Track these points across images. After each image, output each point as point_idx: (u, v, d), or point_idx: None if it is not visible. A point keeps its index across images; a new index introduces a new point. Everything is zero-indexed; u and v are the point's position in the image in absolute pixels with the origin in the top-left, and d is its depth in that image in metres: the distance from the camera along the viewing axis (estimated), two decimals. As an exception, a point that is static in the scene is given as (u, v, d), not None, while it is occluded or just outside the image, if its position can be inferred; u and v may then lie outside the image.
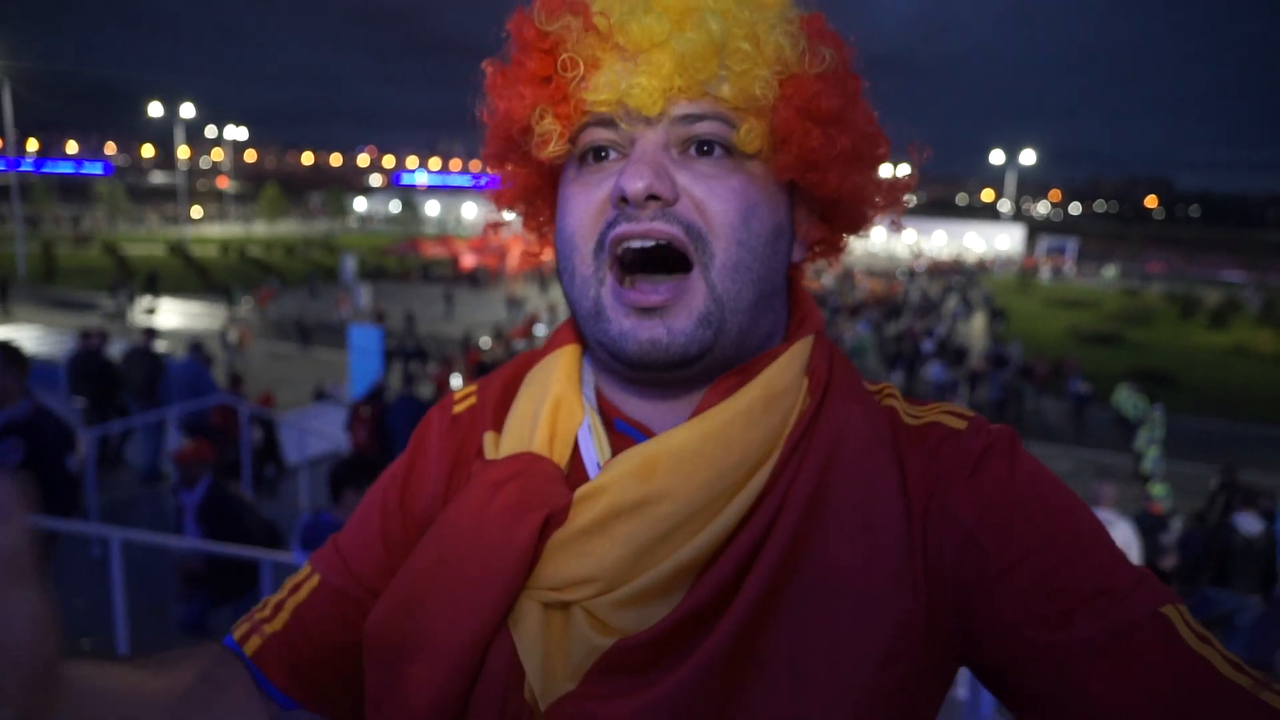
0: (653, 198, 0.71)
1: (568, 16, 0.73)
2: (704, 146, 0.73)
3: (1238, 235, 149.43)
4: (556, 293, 32.99)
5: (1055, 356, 24.32)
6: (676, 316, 0.72)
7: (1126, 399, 18.13)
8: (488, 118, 0.81)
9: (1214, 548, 7.04)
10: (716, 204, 0.72)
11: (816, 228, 0.84)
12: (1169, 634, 0.63)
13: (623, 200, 0.71)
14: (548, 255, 0.88)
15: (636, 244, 0.72)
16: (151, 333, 10.32)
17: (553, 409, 0.80)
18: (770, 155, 0.75)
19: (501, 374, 0.90)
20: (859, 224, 0.85)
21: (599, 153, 0.75)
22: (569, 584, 0.70)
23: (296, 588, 0.85)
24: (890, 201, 0.83)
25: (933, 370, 22.06)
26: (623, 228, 0.71)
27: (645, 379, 0.76)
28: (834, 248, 0.88)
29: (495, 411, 0.86)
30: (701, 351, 0.72)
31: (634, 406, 0.79)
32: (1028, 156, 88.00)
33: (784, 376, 0.75)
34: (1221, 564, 6.89)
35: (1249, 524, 7.08)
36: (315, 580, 0.85)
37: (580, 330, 0.82)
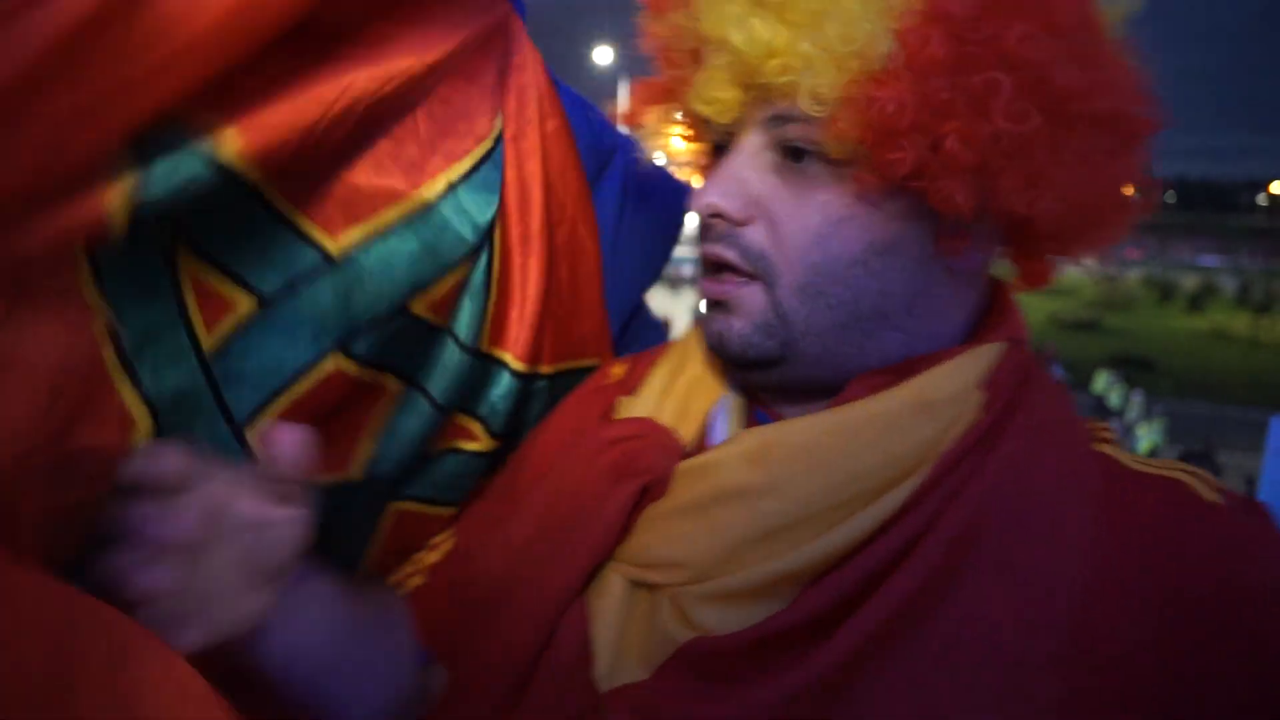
0: (718, 215, 0.64)
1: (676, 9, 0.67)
2: (796, 152, 0.62)
3: (1213, 220, 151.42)
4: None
5: (1035, 344, 24.44)
6: (736, 316, 0.65)
7: (1107, 385, 18.17)
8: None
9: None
10: (791, 223, 0.62)
11: (995, 244, 0.68)
12: None
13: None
14: None
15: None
16: None
17: (689, 383, 0.73)
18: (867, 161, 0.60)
19: (660, 348, 0.83)
20: (1074, 246, 0.67)
21: (719, 146, 0.69)
22: (656, 564, 0.63)
23: (434, 546, 0.85)
24: (1118, 219, 0.66)
25: None
26: (703, 242, 0.68)
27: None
28: (1039, 275, 0.71)
29: (641, 376, 0.79)
30: (762, 359, 0.64)
31: (773, 398, 0.70)
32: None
33: (947, 384, 0.62)
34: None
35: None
36: (451, 542, 0.83)
37: None
